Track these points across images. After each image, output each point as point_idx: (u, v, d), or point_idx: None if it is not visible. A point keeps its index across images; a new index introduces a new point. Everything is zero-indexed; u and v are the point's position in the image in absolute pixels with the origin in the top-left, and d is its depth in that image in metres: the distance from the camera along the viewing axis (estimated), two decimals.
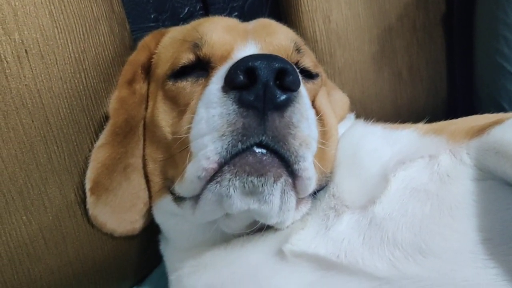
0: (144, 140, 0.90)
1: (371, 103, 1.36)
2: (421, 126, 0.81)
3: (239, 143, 0.64)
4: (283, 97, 0.65)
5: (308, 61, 0.87)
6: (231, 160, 0.65)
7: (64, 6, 0.80)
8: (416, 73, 1.44)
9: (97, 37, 0.87)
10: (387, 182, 0.72)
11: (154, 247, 0.95)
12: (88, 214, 0.85)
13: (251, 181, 0.65)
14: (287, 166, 0.67)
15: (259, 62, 0.64)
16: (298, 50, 0.85)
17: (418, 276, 0.63)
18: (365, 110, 1.35)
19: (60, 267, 0.85)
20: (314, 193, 0.77)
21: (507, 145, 0.63)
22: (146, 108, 0.92)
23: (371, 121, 0.93)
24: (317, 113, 0.83)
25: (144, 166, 0.89)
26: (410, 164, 0.73)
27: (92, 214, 0.85)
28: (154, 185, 0.87)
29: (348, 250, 0.69)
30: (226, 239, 0.80)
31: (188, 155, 0.70)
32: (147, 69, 0.94)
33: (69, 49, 0.81)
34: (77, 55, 0.82)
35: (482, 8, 1.38)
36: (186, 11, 1.23)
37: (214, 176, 0.66)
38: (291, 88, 0.67)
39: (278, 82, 0.65)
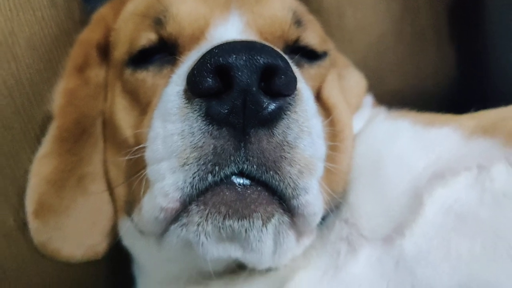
0: (105, 141, 0.72)
1: (389, 74, 1.16)
2: (465, 121, 0.61)
3: (209, 174, 0.48)
4: (272, 106, 0.47)
5: (313, 37, 0.67)
6: (200, 196, 0.49)
7: None
8: (443, 32, 1.21)
9: (31, 12, 0.68)
10: (420, 204, 0.56)
11: (126, 270, 0.77)
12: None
13: (230, 225, 0.48)
14: (282, 199, 0.50)
15: (234, 57, 0.46)
16: (298, 22, 0.66)
17: None
18: (382, 82, 1.16)
19: None
20: (321, 219, 0.59)
21: None
22: (106, 99, 0.73)
23: (394, 109, 0.74)
24: (325, 107, 0.64)
25: (107, 173, 0.71)
26: (452, 179, 0.57)
27: (38, 242, 0.67)
28: (118, 198, 0.69)
29: None
30: (206, 277, 0.63)
31: (144, 182, 0.53)
32: (105, 50, 0.75)
33: None
34: (2, 39, 0.64)
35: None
36: None
37: (179, 216, 0.50)
38: (284, 92, 0.47)
39: (263, 84, 0.46)
